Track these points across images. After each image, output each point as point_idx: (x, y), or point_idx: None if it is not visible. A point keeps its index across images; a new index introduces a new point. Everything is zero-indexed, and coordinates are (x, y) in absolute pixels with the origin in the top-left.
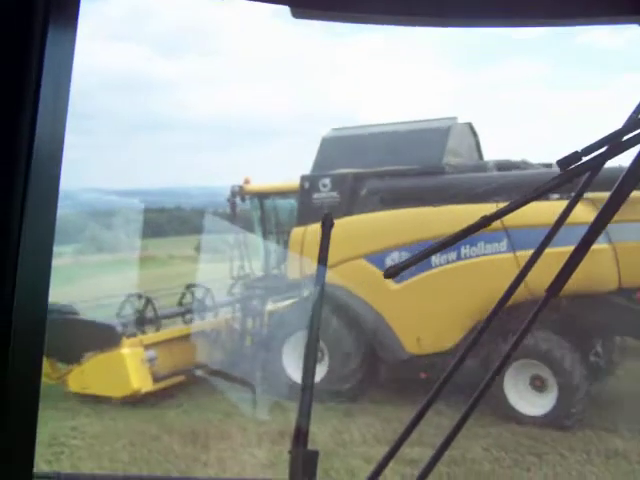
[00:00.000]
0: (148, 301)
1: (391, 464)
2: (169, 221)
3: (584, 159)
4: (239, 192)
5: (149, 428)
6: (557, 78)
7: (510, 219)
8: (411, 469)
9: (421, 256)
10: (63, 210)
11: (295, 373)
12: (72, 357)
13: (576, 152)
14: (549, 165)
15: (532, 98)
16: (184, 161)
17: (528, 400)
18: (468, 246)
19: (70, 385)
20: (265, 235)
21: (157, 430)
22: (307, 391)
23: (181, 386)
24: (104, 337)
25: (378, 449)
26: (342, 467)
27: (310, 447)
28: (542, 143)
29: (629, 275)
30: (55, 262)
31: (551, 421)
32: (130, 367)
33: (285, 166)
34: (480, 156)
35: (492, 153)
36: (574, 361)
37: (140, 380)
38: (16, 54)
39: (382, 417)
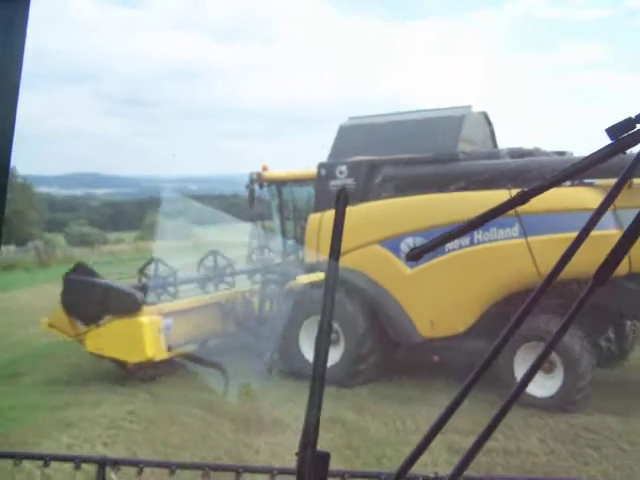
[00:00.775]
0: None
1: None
2: (227, 208)
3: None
4: (257, 179)
5: (203, 413)
6: (619, 60)
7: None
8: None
9: (446, 238)
10: (124, 197)
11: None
12: (91, 318)
13: (629, 118)
14: (562, 153)
15: (593, 81)
16: (240, 148)
17: (535, 381)
18: (481, 232)
19: (87, 344)
20: (283, 222)
21: (211, 415)
22: (318, 381)
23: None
24: (125, 303)
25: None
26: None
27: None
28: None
29: (638, 259)
30: (114, 248)
31: (555, 404)
32: (147, 336)
33: None
34: (494, 144)
35: (551, 135)
36: (582, 346)
37: (155, 349)
38: None
39: (398, 399)
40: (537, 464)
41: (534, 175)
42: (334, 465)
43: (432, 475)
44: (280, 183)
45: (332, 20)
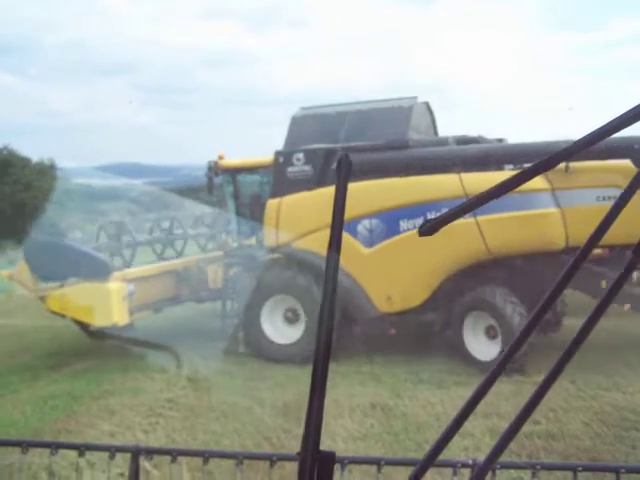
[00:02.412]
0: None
1: None
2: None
3: None
4: (214, 168)
5: (242, 400)
6: None
7: (471, 187)
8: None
9: (459, 211)
10: (164, 186)
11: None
12: (56, 278)
13: None
14: (501, 140)
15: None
16: (274, 134)
17: (482, 347)
18: (434, 212)
19: (49, 303)
20: (237, 208)
21: (250, 402)
22: (320, 377)
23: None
24: (94, 268)
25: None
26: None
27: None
28: None
29: (576, 235)
30: (150, 237)
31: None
32: (114, 301)
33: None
34: (435, 133)
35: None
36: (522, 314)
37: (120, 314)
38: None
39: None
40: (581, 448)
41: (478, 160)
42: None
43: (470, 461)
44: (235, 171)
45: (363, 3)
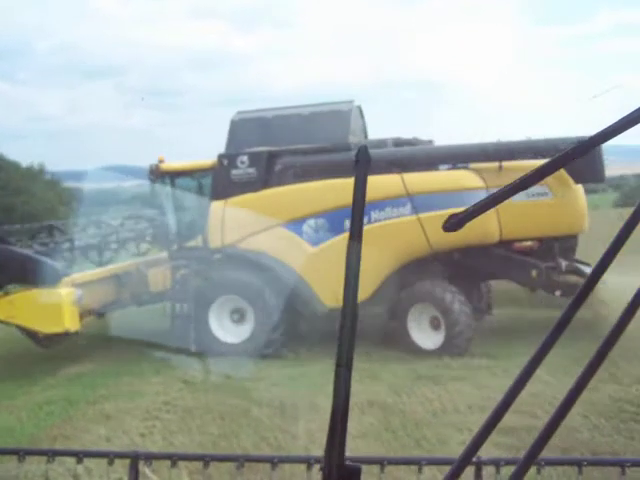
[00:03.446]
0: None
1: None
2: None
3: None
4: (154, 171)
5: (239, 402)
6: None
7: (412, 187)
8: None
9: (483, 205)
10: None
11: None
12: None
13: None
14: (431, 141)
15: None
16: None
17: (427, 337)
18: (377, 210)
19: None
20: (177, 211)
21: (247, 404)
22: (343, 372)
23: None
24: (42, 273)
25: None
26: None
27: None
28: None
29: (508, 230)
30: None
31: (441, 352)
32: (65, 307)
33: (375, 132)
34: (366, 136)
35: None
36: (462, 303)
37: (72, 320)
38: None
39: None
40: (580, 440)
41: (417, 161)
42: None
43: (475, 459)
44: (175, 174)
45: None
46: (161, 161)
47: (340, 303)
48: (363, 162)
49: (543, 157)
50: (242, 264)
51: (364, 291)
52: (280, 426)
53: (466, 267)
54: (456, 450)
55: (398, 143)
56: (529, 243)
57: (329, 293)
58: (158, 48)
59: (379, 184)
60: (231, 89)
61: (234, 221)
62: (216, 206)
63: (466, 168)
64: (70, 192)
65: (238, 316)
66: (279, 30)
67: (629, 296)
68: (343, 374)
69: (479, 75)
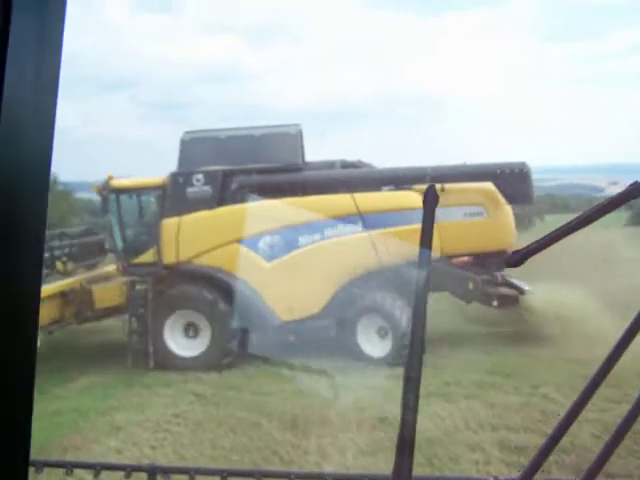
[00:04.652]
0: None
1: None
2: None
3: None
4: (103, 188)
5: (249, 415)
6: None
7: (363, 205)
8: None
9: (547, 241)
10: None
11: None
12: None
13: None
14: (373, 165)
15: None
16: None
17: (374, 345)
18: (330, 229)
19: None
20: (123, 228)
21: (257, 417)
22: (412, 385)
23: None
24: None
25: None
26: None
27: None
28: None
29: (447, 246)
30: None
31: (391, 360)
32: None
33: (374, 148)
34: (303, 157)
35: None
36: (408, 314)
37: None
38: None
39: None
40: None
41: (361, 182)
42: None
43: (491, 478)
44: (124, 191)
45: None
46: (110, 178)
47: (294, 316)
48: (431, 200)
49: (476, 180)
50: (198, 279)
51: (315, 305)
52: (290, 441)
53: (411, 280)
54: (468, 468)
55: (345, 165)
56: (465, 258)
57: (283, 307)
58: (171, 62)
59: (332, 203)
60: (241, 104)
61: (190, 238)
62: (169, 223)
63: (411, 189)
64: (83, 203)
65: (194, 331)
66: (290, 46)
67: (557, 306)
68: (412, 389)
69: (483, 91)
